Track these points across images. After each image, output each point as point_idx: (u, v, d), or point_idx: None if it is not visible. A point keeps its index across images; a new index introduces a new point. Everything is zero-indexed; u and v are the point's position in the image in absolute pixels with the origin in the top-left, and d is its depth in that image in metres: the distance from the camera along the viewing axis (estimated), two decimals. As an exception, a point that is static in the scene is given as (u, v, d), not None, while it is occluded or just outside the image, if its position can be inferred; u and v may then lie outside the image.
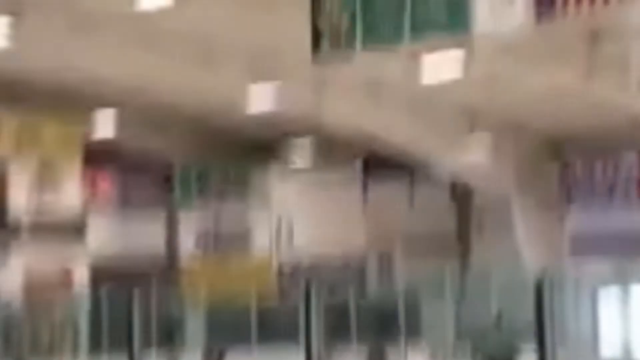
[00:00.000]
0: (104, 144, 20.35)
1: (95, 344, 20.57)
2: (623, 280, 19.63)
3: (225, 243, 21.99)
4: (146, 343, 17.76)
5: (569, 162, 20.42)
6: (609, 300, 19.80)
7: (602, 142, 19.27)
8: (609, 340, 19.32)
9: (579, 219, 20.05)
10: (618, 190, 19.57)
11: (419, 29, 11.79)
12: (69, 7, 15.68)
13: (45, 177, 20.09)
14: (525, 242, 19.87)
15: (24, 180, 20.05)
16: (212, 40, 16.65)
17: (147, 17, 14.86)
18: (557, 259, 19.14)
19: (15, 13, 14.30)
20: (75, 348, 20.60)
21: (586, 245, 19.65)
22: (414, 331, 20.71)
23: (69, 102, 19.66)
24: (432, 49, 13.42)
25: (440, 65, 14.18)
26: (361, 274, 21.44)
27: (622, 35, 14.13)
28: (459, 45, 13.18)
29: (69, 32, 16.11)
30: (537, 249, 19.68)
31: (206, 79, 17.92)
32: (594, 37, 14.47)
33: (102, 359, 20.07)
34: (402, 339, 20.53)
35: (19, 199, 20.01)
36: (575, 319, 19.24)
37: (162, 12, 14.28)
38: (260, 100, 16.89)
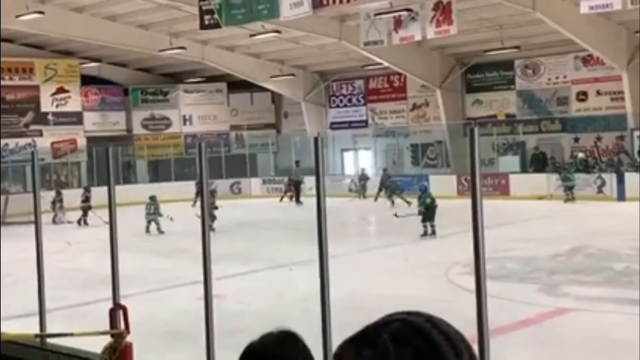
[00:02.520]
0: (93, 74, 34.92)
1: (90, 179, 33.01)
2: (354, 144, 34.92)
3: (156, 125, 36.31)
4: (116, 179, 29.95)
5: (330, 83, 35.55)
6: (348, 153, 35.63)
7: (345, 73, 34.16)
8: (347, 171, 35.19)
9: (333, 112, 35.88)
10: (353, 99, 35.30)
11: (253, 16, 24.74)
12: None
13: (61, 91, 33.84)
14: (308, 121, 35.10)
15: (49, 92, 33.49)
16: (146, 17, 28.32)
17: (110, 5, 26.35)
18: (323, 131, 33.99)
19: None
20: (79, 181, 33.92)
21: (336, 126, 35.63)
22: (254, 171, 35.70)
23: (73, 50, 33.41)
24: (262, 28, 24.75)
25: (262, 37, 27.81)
26: (227, 140, 36.31)
27: (359, 17, 24.98)
28: (275, 25, 25.07)
29: (73, 12, 26.82)
30: (314, 126, 34.70)
31: (142, 38, 29.25)
32: (342, 18, 26.73)
33: (93, 188, 28.81)
34: (248, 174, 35.09)
35: (47, 104, 33.55)
36: (333, 162, 34.54)
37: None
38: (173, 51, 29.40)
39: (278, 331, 1.97)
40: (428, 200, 19.06)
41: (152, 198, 22.87)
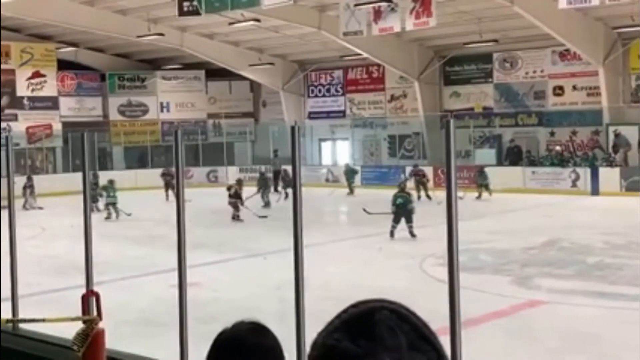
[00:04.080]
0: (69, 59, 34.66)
1: (66, 165, 33.43)
2: (332, 134, 34.97)
3: (133, 111, 36.13)
4: (92, 166, 29.66)
5: (308, 73, 35.48)
6: (325, 143, 35.65)
7: (324, 63, 34.15)
8: (325, 161, 35.24)
9: (312, 102, 35.87)
10: (331, 89, 35.33)
11: (234, 3, 24.76)
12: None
13: (37, 75, 33.55)
14: (286, 111, 35.07)
15: (25, 77, 33.20)
16: (124, 3, 27.97)
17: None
18: (301, 121, 33.77)
19: None
20: (54, 167, 34.06)
21: (314, 116, 35.69)
22: (231, 159, 35.32)
23: (50, 35, 33.21)
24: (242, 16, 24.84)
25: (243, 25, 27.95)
26: (204, 128, 36.20)
27: (338, 6, 24.89)
28: (255, 13, 25.21)
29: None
30: (292, 115, 34.35)
31: (120, 23, 28.86)
32: (322, 8, 26.68)
33: (67, 174, 30.49)
34: (225, 162, 34.66)
35: (23, 88, 33.28)
36: (310, 152, 34.78)
37: None
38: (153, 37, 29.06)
39: (248, 321, 1.98)
40: (399, 201, 17.10)
41: (111, 182, 22.74)
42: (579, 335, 9.25)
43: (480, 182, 25.64)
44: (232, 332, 1.93)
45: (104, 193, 22.58)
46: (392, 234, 16.95)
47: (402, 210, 17.01)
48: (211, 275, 12.84)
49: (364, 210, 20.10)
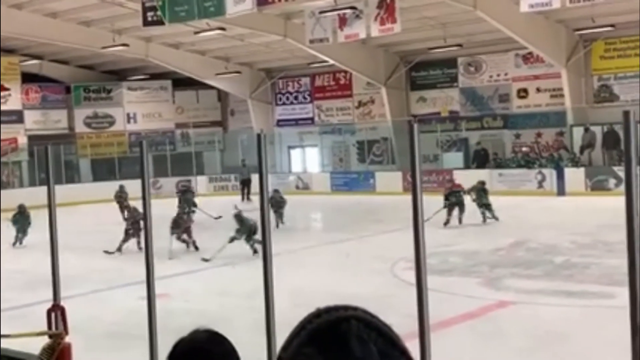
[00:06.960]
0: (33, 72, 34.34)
1: (32, 179, 32.94)
2: (301, 142, 34.94)
3: (99, 123, 35.85)
4: (58, 179, 28.10)
5: (276, 81, 35.43)
6: (295, 151, 35.59)
7: (291, 70, 34.18)
8: (294, 168, 35.47)
9: (280, 109, 35.87)
10: (299, 96, 35.38)
11: (199, 12, 24.56)
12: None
13: (0, 89, 32.84)
14: (255, 119, 34.91)
15: (-13, 91, 33.04)
16: (88, 14, 28.36)
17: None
18: (269, 128, 33.97)
19: None
20: (20, 181, 33.66)
21: (283, 124, 35.54)
22: (200, 169, 35.42)
23: (13, 48, 32.52)
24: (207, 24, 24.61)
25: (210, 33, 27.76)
26: (172, 138, 36.09)
27: (304, 14, 25.15)
28: (220, 22, 26.17)
29: (12, 9, 26.02)
30: (261, 123, 34.07)
31: (85, 35, 28.76)
32: (287, 16, 26.74)
33: (34, 188, 29.98)
34: (195, 172, 34.70)
35: (-15, 101, 32.98)
36: (280, 159, 34.76)
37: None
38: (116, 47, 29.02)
39: (204, 330, 1.97)
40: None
41: (22, 207, 20.83)
42: (548, 335, 9.34)
43: (481, 201, 20.53)
44: (190, 341, 1.92)
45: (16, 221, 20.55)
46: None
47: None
48: (181, 285, 12.77)
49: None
